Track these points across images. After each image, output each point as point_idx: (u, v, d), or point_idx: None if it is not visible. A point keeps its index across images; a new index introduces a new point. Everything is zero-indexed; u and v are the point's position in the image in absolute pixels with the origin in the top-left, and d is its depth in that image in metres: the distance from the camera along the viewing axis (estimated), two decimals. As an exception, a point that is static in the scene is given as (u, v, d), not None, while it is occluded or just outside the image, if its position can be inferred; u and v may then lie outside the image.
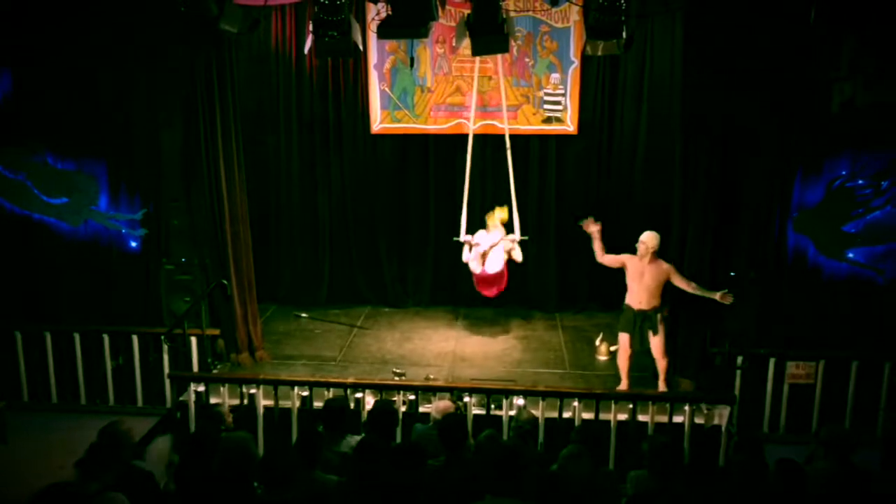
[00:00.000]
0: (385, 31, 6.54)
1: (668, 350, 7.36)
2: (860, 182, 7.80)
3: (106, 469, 4.43)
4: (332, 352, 8.71)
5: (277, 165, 9.98)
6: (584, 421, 6.72)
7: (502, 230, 8.68)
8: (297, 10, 9.22)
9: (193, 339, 7.83)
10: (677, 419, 6.78)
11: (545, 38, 9.23)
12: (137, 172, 8.61)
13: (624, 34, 6.35)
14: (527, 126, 9.43)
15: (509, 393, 6.91)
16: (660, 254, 7.28)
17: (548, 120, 9.46)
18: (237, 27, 6.90)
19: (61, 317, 8.55)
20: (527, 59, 9.29)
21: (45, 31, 8.10)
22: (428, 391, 6.97)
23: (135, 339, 7.95)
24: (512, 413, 6.58)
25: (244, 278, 8.31)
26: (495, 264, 8.55)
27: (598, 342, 8.60)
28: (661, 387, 7.41)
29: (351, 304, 10.17)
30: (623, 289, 7.51)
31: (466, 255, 8.70)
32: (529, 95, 9.39)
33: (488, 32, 6.31)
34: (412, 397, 6.94)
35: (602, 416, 6.78)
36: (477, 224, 8.85)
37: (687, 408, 6.76)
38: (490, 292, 8.79)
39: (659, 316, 7.19)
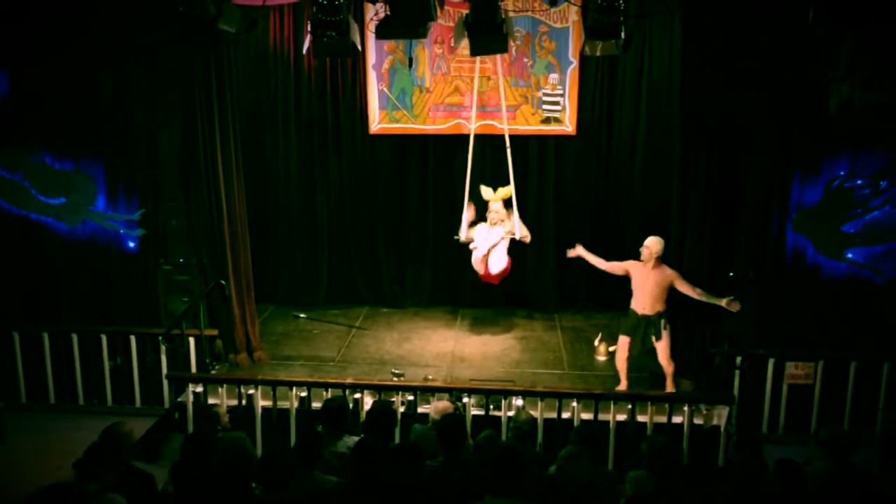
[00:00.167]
0: (384, 32, 6.54)
1: (677, 356, 7.33)
2: (859, 182, 7.81)
3: (106, 470, 4.42)
4: (330, 352, 8.70)
5: (276, 165, 9.97)
6: (583, 421, 6.71)
7: (505, 213, 8.62)
8: (296, 11, 9.21)
9: (192, 340, 7.82)
10: (676, 420, 6.78)
11: (544, 39, 9.23)
12: (135, 173, 8.62)
13: (622, 34, 6.34)
14: (525, 126, 9.43)
15: (508, 393, 6.91)
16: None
17: (546, 120, 9.45)
18: (235, 27, 6.90)
19: (59, 317, 8.55)
20: (525, 60, 9.28)
21: (44, 32, 8.11)
22: (426, 392, 6.96)
23: (133, 339, 7.94)
24: (511, 413, 6.57)
25: (242, 279, 8.30)
26: (498, 264, 8.53)
27: (596, 342, 8.60)
28: (669, 389, 7.39)
29: (349, 304, 10.17)
30: (622, 290, 7.52)
31: (465, 233, 8.67)
32: (528, 96, 9.39)
33: (487, 32, 6.30)
34: (411, 398, 6.93)
35: (601, 417, 6.78)
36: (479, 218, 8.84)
37: (686, 408, 6.76)
38: (494, 281, 8.79)
39: (663, 321, 7.18)
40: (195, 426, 6.81)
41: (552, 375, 8.10)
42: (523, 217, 8.75)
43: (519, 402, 6.76)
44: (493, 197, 8.61)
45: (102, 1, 7.94)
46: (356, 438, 5.27)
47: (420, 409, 6.80)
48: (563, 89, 9.34)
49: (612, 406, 6.76)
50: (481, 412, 6.84)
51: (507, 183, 8.61)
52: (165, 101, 8.26)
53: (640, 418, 6.74)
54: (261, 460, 4.60)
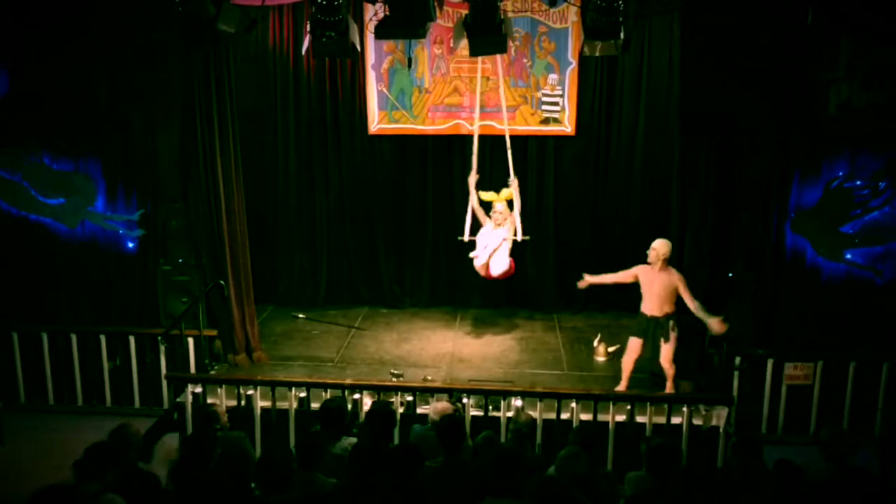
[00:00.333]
0: (383, 32, 6.55)
1: (677, 357, 7.32)
2: (858, 183, 7.82)
3: (109, 470, 4.42)
4: (329, 353, 8.69)
5: (275, 166, 9.95)
6: (582, 422, 6.71)
7: (508, 213, 8.59)
8: (295, 11, 9.21)
9: (191, 340, 7.82)
10: (675, 420, 6.77)
11: (543, 39, 9.22)
12: (135, 173, 8.62)
13: (621, 35, 6.35)
14: (525, 127, 9.42)
15: (507, 394, 6.91)
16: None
17: (546, 121, 9.45)
18: (235, 27, 6.89)
19: (58, 317, 8.54)
20: (525, 60, 9.28)
21: (44, 32, 8.11)
22: (426, 392, 6.96)
23: (132, 339, 7.93)
24: (510, 414, 6.57)
25: (241, 279, 8.29)
26: (499, 266, 8.51)
27: (596, 343, 8.59)
28: (670, 391, 7.38)
29: (349, 304, 10.16)
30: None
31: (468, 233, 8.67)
32: (527, 96, 9.39)
33: (486, 33, 6.30)
34: (410, 398, 6.93)
35: (600, 418, 6.78)
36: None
37: (685, 409, 6.76)
38: (499, 278, 8.78)
39: (671, 323, 7.16)
40: (194, 426, 6.80)
41: (551, 376, 8.09)
42: (522, 217, 8.74)
43: (518, 402, 6.75)
44: (496, 198, 8.60)
45: (102, 1, 7.94)
46: (351, 440, 5.28)
47: (419, 410, 6.80)
48: (563, 90, 9.34)
49: (611, 407, 6.75)
50: (480, 413, 6.84)
51: (508, 183, 8.60)
52: (165, 102, 8.26)
53: (639, 419, 6.74)
54: (259, 461, 4.60)
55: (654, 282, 7.15)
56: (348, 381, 7.03)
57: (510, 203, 8.59)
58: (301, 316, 9.76)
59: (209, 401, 7.12)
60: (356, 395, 6.88)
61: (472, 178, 8.63)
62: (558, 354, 8.68)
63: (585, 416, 6.77)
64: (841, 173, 7.85)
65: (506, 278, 8.83)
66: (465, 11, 6.88)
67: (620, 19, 6.17)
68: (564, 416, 6.76)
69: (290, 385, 7.03)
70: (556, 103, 9.37)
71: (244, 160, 8.34)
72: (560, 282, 10.01)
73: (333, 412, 5.43)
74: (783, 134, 7.78)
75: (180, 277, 8.44)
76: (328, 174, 9.95)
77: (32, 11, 8.07)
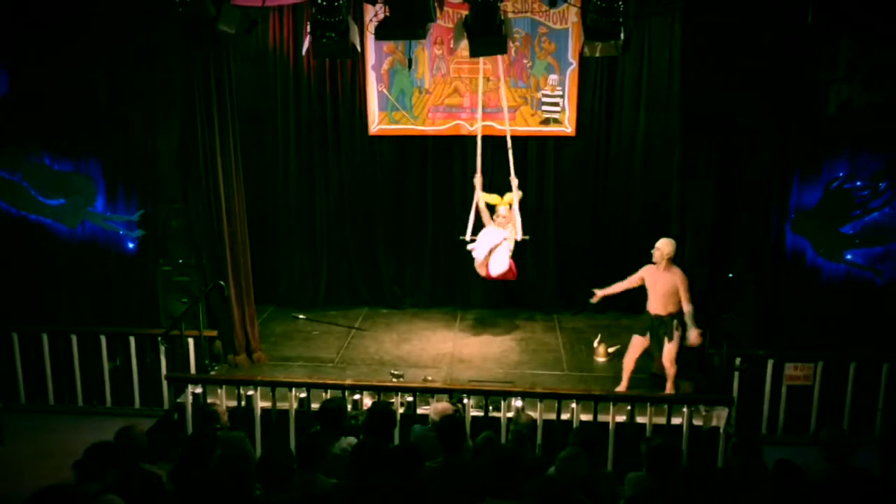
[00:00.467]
0: (383, 33, 6.55)
1: (678, 357, 7.32)
2: (858, 183, 7.82)
3: (109, 470, 4.42)
4: (329, 353, 8.69)
5: (275, 166, 9.96)
6: (583, 422, 6.70)
7: (511, 217, 8.58)
8: (295, 11, 9.21)
9: (191, 341, 7.81)
10: (675, 421, 6.77)
11: (543, 40, 9.22)
12: (135, 173, 8.62)
13: (622, 35, 6.35)
14: (525, 127, 9.42)
15: (507, 395, 6.91)
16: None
17: (546, 121, 9.45)
18: (235, 28, 6.89)
19: (59, 318, 8.54)
20: (525, 61, 9.28)
21: (44, 32, 8.11)
22: (426, 393, 6.96)
23: (132, 340, 7.92)
24: (510, 415, 6.57)
25: (242, 279, 8.29)
26: (498, 266, 8.51)
27: (596, 343, 8.59)
28: (669, 391, 7.38)
29: (349, 305, 10.16)
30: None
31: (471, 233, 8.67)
32: (527, 97, 9.39)
33: (486, 34, 6.31)
34: (410, 399, 6.93)
35: (600, 418, 6.77)
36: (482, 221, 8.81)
37: (685, 409, 6.75)
38: (500, 278, 8.77)
39: (675, 322, 7.16)
40: (194, 426, 6.80)
41: (552, 377, 8.09)
42: (523, 217, 8.74)
43: (518, 403, 6.75)
44: (500, 202, 8.60)
45: (102, 1, 7.94)
46: (350, 440, 5.28)
47: (420, 410, 6.80)
48: (563, 90, 9.34)
49: (611, 407, 6.75)
50: (481, 413, 6.84)
51: (508, 183, 8.59)
52: (165, 102, 8.26)
53: (640, 419, 6.74)
54: (260, 461, 4.59)
55: (659, 281, 7.16)
56: (348, 382, 7.04)
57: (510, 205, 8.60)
58: (301, 316, 9.76)
59: (209, 401, 7.12)
60: (356, 396, 6.88)
61: (478, 179, 8.62)
62: (558, 355, 8.67)
63: (586, 417, 6.77)
64: (841, 174, 7.85)
65: (506, 280, 8.84)
66: (465, 12, 6.88)
67: (620, 20, 6.17)
68: (565, 416, 6.76)
69: (290, 385, 7.03)
70: (556, 104, 9.37)
71: (244, 160, 8.34)
72: (560, 282, 10.02)
73: (333, 412, 5.43)
74: (783, 134, 7.78)
75: (180, 278, 8.44)
76: (328, 174, 9.96)
77: (32, 11, 8.07)
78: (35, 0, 8.08)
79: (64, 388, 8.01)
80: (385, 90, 9.51)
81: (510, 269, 8.56)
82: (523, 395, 6.87)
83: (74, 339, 7.96)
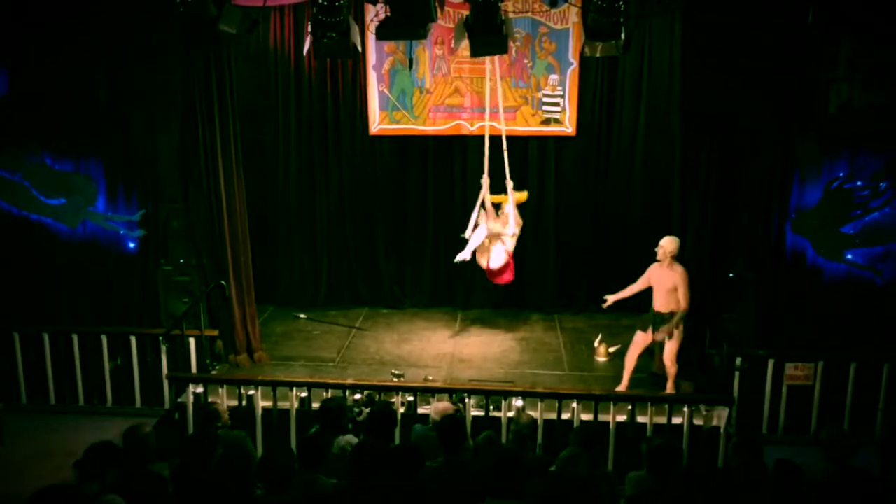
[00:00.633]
0: (384, 33, 6.55)
1: (679, 358, 7.32)
2: (859, 183, 7.82)
3: (110, 470, 4.42)
4: (330, 353, 8.69)
5: (276, 166, 9.96)
6: (583, 422, 6.71)
7: (508, 214, 8.58)
8: (296, 11, 9.20)
9: (192, 340, 7.81)
10: (676, 420, 6.77)
11: (544, 40, 9.22)
12: (135, 173, 8.62)
13: (622, 35, 6.35)
14: (525, 127, 9.42)
15: (508, 394, 6.91)
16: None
17: (546, 121, 9.45)
18: (236, 28, 6.89)
19: (59, 318, 8.54)
20: (525, 61, 9.28)
21: (44, 32, 8.10)
22: (426, 392, 6.96)
23: (133, 340, 7.92)
24: (511, 414, 6.57)
25: (243, 279, 8.30)
26: (497, 259, 8.51)
27: (596, 343, 8.60)
28: (670, 390, 7.38)
29: (349, 305, 10.16)
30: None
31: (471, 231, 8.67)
32: (528, 97, 9.38)
33: (487, 34, 6.30)
34: (411, 398, 6.93)
35: (601, 418, 6.78)
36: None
37: (686, 409, 6.76)
38: (500, 281, 8.77)
39: (675, 320, 7.17)
40: (195, 426, 6.81)
41: (552, 376, 8.10)
42: (523, 217, 8.74)
43: (519, 402, 6.76)
44: (506, 200, 8.58)
45: (102, 1, 7.94)
46: (348, 438, 5.28)
47: (420, 410, 6.80)
48: (563, 90, 9.34)
49: (611, 407, 6.75)
50: (481, 413, 6.84)
51: (505, 185, 8.59)
52: (165, 102, 8.27)
53: (640, 419, 6.74)
54: (261, 461, 4.59)
55: (661, 278, 7.20)
56: (349, 382, 7.04)
57: (518, 205, 8.59)
58: (302, 316, 9.77)
59: (210, 400, 7.13)
60: (357, 395, 6.88)
61: (486, 180, 8.61)
62: (559, 355, 8.68)
63: (586, 417, 6.77)
64: (841, 174, 7.85)
65: (505, 283, 8.82)
66: (466, 12, 6.88)
67: (621, 20, 6.17)
68: (565, 416, 6.77)
69: (291, 385, 7.04)
70: (556, 104, 9.37)
71: (245, 160, 8.34)
72: (560, 282, 10.02)
73: (332, 412, 5.43)
74: (784, 134, 7.78)
75: (181, 278, 8.44)
76: (329, 174, 9.96)
77: (32, 11, 8.07)
78: (35, 0, 8.08)
79: (65, 388, 8.01)
80: (386, 90, 9.51)
81: (509, 266, 8.54)
82: (524, 394, 6.87)
83: (75, 338, 7.96)
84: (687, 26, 7.72)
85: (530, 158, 9.65)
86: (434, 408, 5.72)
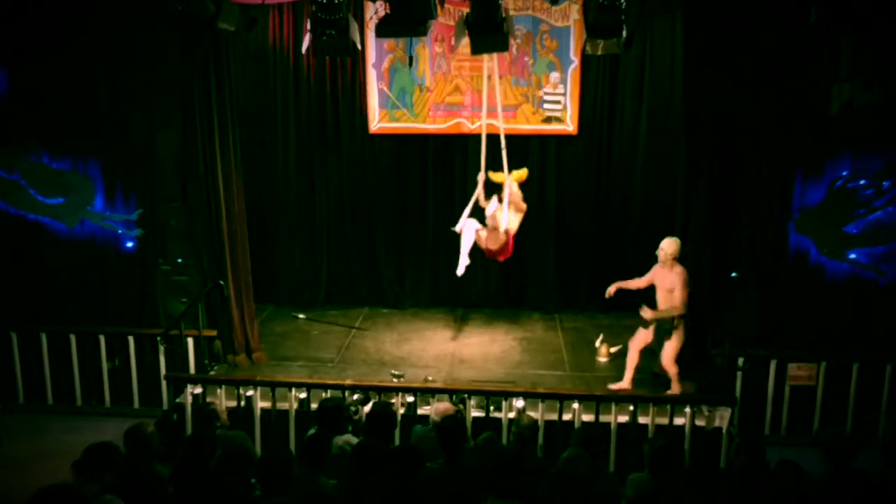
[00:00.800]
0: (384, 30, 6.52)
1: (678, 358, 7.28)
2: (861, 182, 7.80)
3: (108, 471, 4.39)
4: (329, 353, 8.66)
5: (275, 165, 9.92)
6: (584, 423, 6.68)
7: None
8: (295, 9, 9.17)
9: (190, 341, 7.79)
10: (678, 421, 6.74)
11: (545, 37, 9.19)
12: (134, 172, 8.60)
13: (624, 33, 6.32)
14: (526, 126, 9.39)
15: (509, 395, 6.87)
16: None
17: (547, 119, 9.41)
18: (235, 26, 6.87)
19: (57, 317, 8.50)
20: (526, 59, 9.25)
21: (44, 32, 8.08)
22: (426, 393, 6.93)
23: (131, 340, 7.91)
24: (511, 415, 6.54)
25: (241, 279, 8.27)
26: (504, 221, 8.40)
27: (597, 343, 8.56)
28: (675, 391, 7.34)
29: (349, 304, 10.12)
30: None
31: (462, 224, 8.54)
32: (529, 95, 9.35)
33: (487, 31, 6.27)
34: (411, 399, 6.90)
35: (602, 419, 6.75)
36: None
37: (688, 410, 6.73)
38: (501, 258, 8.65)
39: (675, 320, 7.15)
40: (194, 426, 6.78)
41: (553, 377, 8.06)
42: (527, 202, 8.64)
43: (520, 403, 6.72)
44: (504, 179, 8.42)
45: (102, 1, 7.92)
46: (346, 438, 5.25)
47: (420, 411, 6.77)
48: (565, 88, 9.30)
49: (613, 408, 6.72)
50: (482, 414, 6.81)
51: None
52: (164, 101, 8.24)
53: (642, 420, 6.71)
54: (260, 462, 4.57)
55: (662, 279, 7.20)
56: (348, 382, 7.00)
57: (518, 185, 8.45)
58: (301, 316, 9.73)
59: (208, 400, 7.10)
60: (356, 396, 6.84)
61: (482, 176, 8.56)
62: (560, 355, 8.64)
63: (587, 417, 6.75)
64: (844, 173, 7.83)
65: (501, 260, 8.60)
66: (466, 9, 6.84)
67: (623, 17, 6.15)
68: (566, 416, 6.74)
69: (290, 385, 7.01)
70: (557, 102, 9.34)
71: (244, 160, 8.32)
72: (561, 282, 9.98)
73: (330, 412, 5.40)
74: (785, 134, 7.76)
75: (179, 277, 8.41)
76: (328, 173, 9.92)
77: (32, 11, 8.04)
78: (35, 0, 8.06)
79: (63, 388, 7.99)
80: (385, 88, 9.47)
81: (508, 244, 8.30)
82: (525, 395, 6.84)
83: (73, 338, 7.94)
84: (688, 26, 7.70)
85: (531, 157, 9.58)
86: (434, 408, 5.70)
